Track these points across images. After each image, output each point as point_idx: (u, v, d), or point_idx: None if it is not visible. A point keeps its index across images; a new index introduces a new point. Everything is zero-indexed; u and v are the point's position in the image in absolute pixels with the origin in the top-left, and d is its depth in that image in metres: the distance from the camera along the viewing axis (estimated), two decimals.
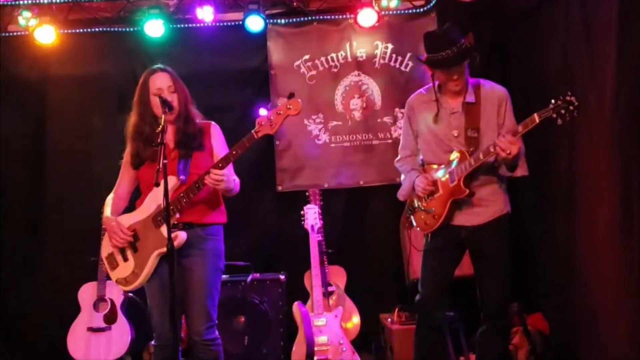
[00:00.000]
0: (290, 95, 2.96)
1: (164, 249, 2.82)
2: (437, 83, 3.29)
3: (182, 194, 2.99)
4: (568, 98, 2.85)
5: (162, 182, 2.73)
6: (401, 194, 3.48)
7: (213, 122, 3.31)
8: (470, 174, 3.16)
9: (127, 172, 3.26)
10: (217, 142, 3.26)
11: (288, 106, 2.94)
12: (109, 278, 4.48)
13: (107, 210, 3.18)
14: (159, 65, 3.23)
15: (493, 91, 3.25)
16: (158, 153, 2.76)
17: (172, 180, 2.99)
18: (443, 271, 3.30)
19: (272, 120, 2.95)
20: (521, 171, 3.15)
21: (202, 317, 3.03)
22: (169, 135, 3.16)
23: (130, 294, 4.63)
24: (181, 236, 2.99)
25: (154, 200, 3.03)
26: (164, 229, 2.90)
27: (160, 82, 3.12)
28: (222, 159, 3.00)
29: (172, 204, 2.93)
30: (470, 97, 3.21)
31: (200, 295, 3.05)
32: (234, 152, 2.98)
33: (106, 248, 3.21)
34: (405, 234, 4.58)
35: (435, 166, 3.31)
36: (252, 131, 2.97)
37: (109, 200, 3.24)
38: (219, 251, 3.18)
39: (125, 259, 3.12)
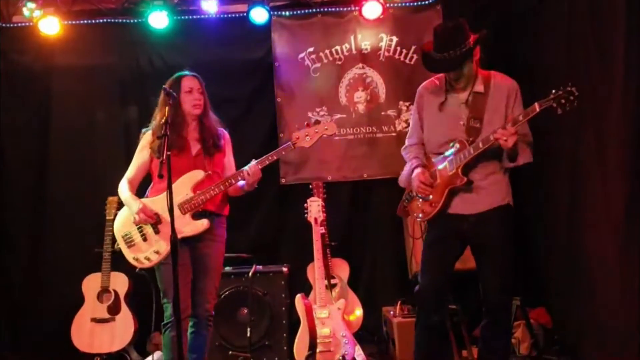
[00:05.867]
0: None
1: (186, 234, 3.25)
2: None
3: (213, 187, 3.32)
4: (569, 88, 2.88)
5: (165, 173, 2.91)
6: (401, 180, 3.49)
7: (225, 130, 3.64)
8: (471, 163, 3.16)
9: (146, 161, 3.47)
10: (229, 149, 3.64)
11: (325, 127, 3.38)
12: (113, 268, 4.56)
13: (128, 194, 3.41)
14: (188, 72, 3.54)
15: (503, 83, 3.24)
16: (162, 144, 2.92)
17: (201, 174, 3.37)
18: (443, 263, 3.29)
19: (309, 136, 3.37)
20: (524, 159, 3.14)
21: (213, 295, 3.45)
22: (194, 133, 3.48)
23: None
24: (207, 223, 3.34)
25: (182, 188, 3.31)
26: (187, 216, 3.31)
27: (192, 83, 3.48)
28: (258, 162, 3.35)
29: (203, 194, 3.32)
30: (479, 87, 3.21)
31: (213, 275, 3.44)
32: (269, 158, 3.36)
33: (124, 226, 3.42)
34: (406, 223, 4.60)
35: (435, 157, 3.31)
36: (290, 142, 3.39)
37: (125, 186, 3.44)
38: (225, 239, 3.55)
39: (145, 239, 3.37)
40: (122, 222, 3.45)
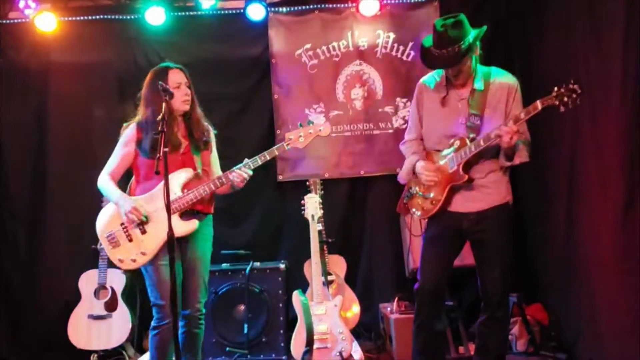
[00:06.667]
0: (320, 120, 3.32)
1: (176, 235, 2.99)
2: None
3: (204, 186, 3.23)
4: (571, 86, 2.85)
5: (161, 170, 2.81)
6: (401, 177, 3.48)
7: (209, 126, 3.51)
8: (472, 161, 3.16)
9: (129, 154, 3.34)
10: (214, 145, 3.52)
11: (319, 128, 3.32)
12: (109, 265, 4.55)
13: (118, 191, 3.28)
14: (173, 64, 3.40)
15: (503, 80, 3.23)
16: (158, 141, 2.85)
17: (190, 173, 3.29)
18: (443, 260, 3.30)
19: (303, 137, 3.31)
20: (520, 158, 3.13)
21: (203, 293, 3.36)
22: (182, 130, 3.36)
23: (126, 273, 4.62)
24: (197, 224, 3.27)
25: (171, 187, 3.08)
26: (176, 216, 3.18)
27: (180, 78, 3.33)
28: (250, 161, 3.27)
29: (192, 194, 3.22)
30: (479, 84, 3.20)
31: (203, 274, 3.35)
32: (262, 157, 3.27)
33: (107, 226, 3.30)
34: (403, 220, 4.60)
35: (436, 152, 3.30)
36: (283, 143, 3.32)
37: (109, 181, 3.31)
38: (212, 237, 3.47)
39: (130, 240, 3.25)
40: (105, 221, 3.31)
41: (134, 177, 3.41)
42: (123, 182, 3.44)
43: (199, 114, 3.42)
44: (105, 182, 3.31)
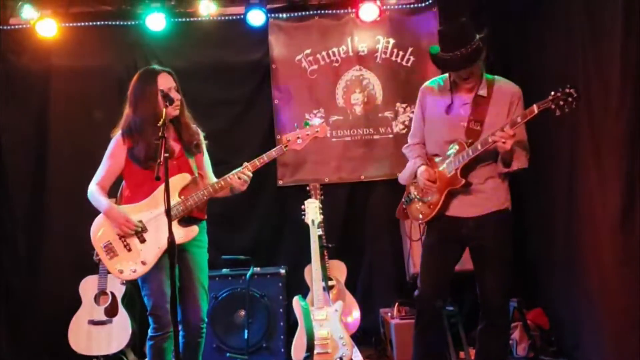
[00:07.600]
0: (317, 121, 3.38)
1: (177, 242, 2.90)
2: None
3: (203, 191, 3.18)
4: (567, 90, 2.87)
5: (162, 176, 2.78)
6: (402, 178, 3.48)
7: (198, 128, 3.45)
8: (471, 166, 3.16)
9: (118, 165, 3.26)
10: (205, 147, 3.45)
11: (316, 129, 3.30)
12: (109, 271, 4.54)
13: (105, 200, 3.21)
14: (160, 67, 3.32)
15: (506, 88, 3.24)
16: (159, 147, 2.82)
17: (187, 178, 3.23)
18: (442, 266, 3.30)
19: (300, 138, 3.28)
20: (518, 164, 3.13)
21: (205, 301, 3.28)
22: (172, 134, 3.28)
23: (124, 283, 4.61)
24: (196, 230, 3.22)
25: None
26: (174, 223, 3.04)
27: (169, 82, 3.23)
28: (250, 164, 3.24)
29: (191, 199, 3.17)
30: (483, 91, 3.21)
31: (202, 281, 3.27)
32: (261, 160, 3.24)
33: (104, 235, 3.20)
34: (403, 225, 4.61)
35: (437, 159, 3.30)
36: (281, 145, 3.31)
37: (98, 191, 3.23)
38: (207, 243, 3.40)
39: (129, 249, 3.16)
40: (101, 231, 3.20)
41: (125, 183, 3.32)
42: (114, 185, 3.38)
43: (188, 117, 3.34)
44: (95, 193, 3.22)
